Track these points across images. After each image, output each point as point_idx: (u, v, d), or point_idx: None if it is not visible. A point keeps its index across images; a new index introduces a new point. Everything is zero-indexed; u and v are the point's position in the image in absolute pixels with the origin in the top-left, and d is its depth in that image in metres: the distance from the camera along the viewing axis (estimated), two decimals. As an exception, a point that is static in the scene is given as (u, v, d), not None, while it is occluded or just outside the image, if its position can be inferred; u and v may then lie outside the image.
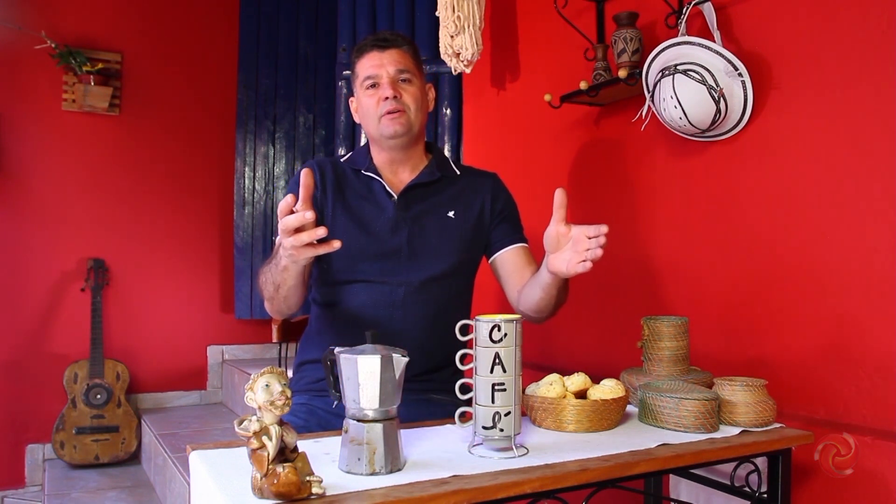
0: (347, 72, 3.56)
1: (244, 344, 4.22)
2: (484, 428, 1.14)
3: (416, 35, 3.37)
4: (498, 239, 1.69)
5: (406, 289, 1.57)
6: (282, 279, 1.42)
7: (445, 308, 1.60)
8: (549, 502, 1.08)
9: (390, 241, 1.58)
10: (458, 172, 1.72)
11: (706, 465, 1.27)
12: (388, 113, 1.58)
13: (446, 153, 3.28)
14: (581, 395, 1.37)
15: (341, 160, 1.70)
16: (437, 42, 2.47)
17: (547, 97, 2.19)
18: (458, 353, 1.25)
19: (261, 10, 4.13)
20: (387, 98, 1.58)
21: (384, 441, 1.05)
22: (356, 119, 1.69)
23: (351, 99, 1.71)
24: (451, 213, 1.65)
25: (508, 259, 1.68)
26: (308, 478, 0.93)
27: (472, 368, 1.18)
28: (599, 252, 1.32)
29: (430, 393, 1.58)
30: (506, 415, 1.14)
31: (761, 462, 1.33)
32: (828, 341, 1.57)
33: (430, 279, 1.59)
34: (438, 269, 1.60)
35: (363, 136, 3.54)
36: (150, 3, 4.00)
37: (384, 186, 1.63)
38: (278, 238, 1.32)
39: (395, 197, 1.62)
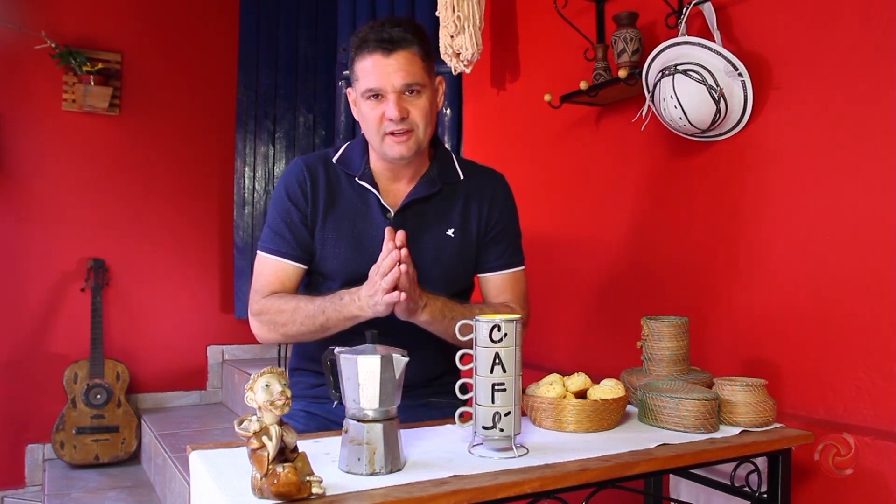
0: (347, 71, 3.55)
1: (244, 344, 4.22)
2: (484, 428, 1.14)
3: (416, 35, 3.37)
4: (488, 259, 1.60)
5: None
6: (338, 326, 1.43)
7: None
8: (549, 502, 1.08)
9: None
10: (462, 176, 1.59)
11: (706, 465, 1.27)
12: (393, 134, 1.43)
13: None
14: (581, 395, 1.37)
15: (334, 159, 1.56)
16: (437, 42, 2.47)
17: (547, 97, 2.19)
18: (458, 353, 1.25)
19: (261, 10, 4.13)
20: (391, 119, 1.42)
21: (384, 441, 1.05)
22: (355, 115, 1.53)
23: (349, 90, 1.53)
24: (450, 232, 1.54)
25: (490, 282, 1.62)
26: (308, 478, 0.93)
27: (471, 368, 1.18)
28: (393, 278, 1.34)
29: (427, 398, 1.57)
30: (506, 415, 1.14)
31: (761, 462, 1.33)
32: (828, 341, 1.57)
33: None
34: (432, 291, 1.51)
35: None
36: (150, 3, 4.00)
37: (379, 200, 1.52)
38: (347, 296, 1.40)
39: (392, 213, 1.51)
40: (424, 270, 1.49)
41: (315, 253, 1.53)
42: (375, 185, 1.53)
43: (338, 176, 1.55)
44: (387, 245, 1.34)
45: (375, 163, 1.55)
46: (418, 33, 1.45)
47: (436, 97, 1.50)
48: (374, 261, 1.47)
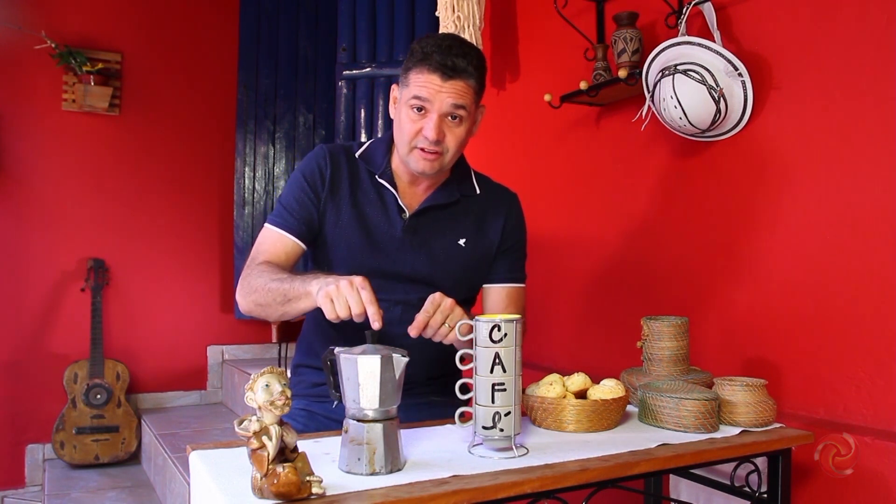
0: (347, 71, 3.56)
1: (244, 344, 4.22)
2: (484, 428, 1.14)
3: (417, 35, 3.37)
4: (495, 271, 1.63)
5: (404, 307, 1.52)
6: (296, 302, 1.33)
7: None
8: (549, 502, 1.08)
9: (394, 263, 1.52)
10: (478, 190, 1.63)
11: (706, 465, 1.27)
12: (423, 150, 1.45)
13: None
14: (581, 395, 1.37)
15: (357, 154, 1.58)
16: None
17: (547, 97, 2.19)
18: (458, 353, 1.25)
19: (261, 10, 4.14)
20: (426, 137, 1.43)
21: (384, 441, 1.05)
22: (391, 111, 1.54)
23: (394, 86, 1.53)
24: (461, 241, 1.57)
25: (494, 294, 1.64)
26: (308, 478, 0.93)
27: (471, 368, 1.18)
28: (432, 332, 1.29)
29: (429, 396, 1.57)
30: (506, 415, 1.14)
31: (761, 462, 1.33)
32: (828, 341, 1.57)
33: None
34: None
35: (363, 134, 3.54)
36: (150, 3, 4.00)
37: (397, 199, 1.54)
38: (320, 282, 1.26)
39: (407, 215, 1.53)
40: (436, 276, 1.52)
41: (325, 239, 1.54)
42: (394, 185, 1.55)
43: (358, 169, 1.57)
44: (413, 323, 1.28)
45: (397, 164, 1.57)
46: (480, 67, 1.47)
47: (471, 128, 1.52)
48: (383, 258, 1.51)
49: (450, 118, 1.44)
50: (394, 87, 1.53)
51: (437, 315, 1.29)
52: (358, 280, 1.22)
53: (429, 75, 1.41)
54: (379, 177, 1.55)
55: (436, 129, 1.42)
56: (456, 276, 1.56)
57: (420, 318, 1.29)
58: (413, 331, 1.29)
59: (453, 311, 1.30)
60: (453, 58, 1.41)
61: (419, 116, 1.44)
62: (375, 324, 1.17)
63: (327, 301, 1.22)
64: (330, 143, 1.62)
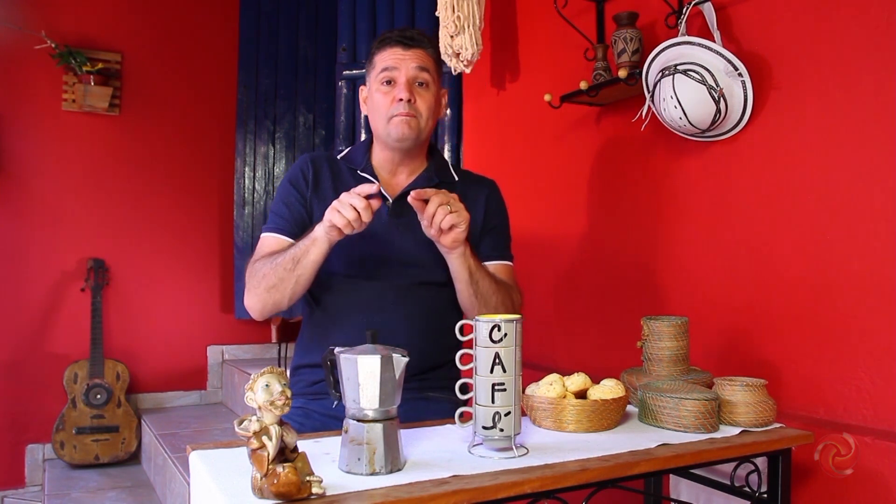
0: (347, 71, 3.56)
1: (244, 344, 4.22)
2: (484, 428, 1.14)
3: (416, 35, 3.37)
4: (481, 251, 1.66)
5: (396, 291, 1.57)
6: (306, 258, 1.45)
7: (437, 310, 1.59)
8: (549, 502, 1.08)
9: (382, 247, 1.57)
10: (457, 178, 1.70)
11: (706, 465, 1.27)
12: (400, 115, 1.56)
13: (446, 154, 3.28)
14: (581, 395, 1.37)
15: (338, 157, 1.69)
16: (437, 42, 2.47)
17: (547, 97, 2.19)
18: (458, 353, 1.25)
19: (261, 10, 4.14)
20: (401, 100, 1.55)
21: (384, 441, 1.05)
22: (364, 110, 1.67)
23: (362, 87, 1.68)
24: None
25: None
26: (308, 478, 0.93)
27: (471, 368, 1.18)
28: (441, 218, 1.40)
29: (427, 391, 1.58)
30: (506, 415, 1.14)
31: (761, 462, 1.33)
32: (828, 341, 1.57)
33: (421, 283, 1.59)
34: (429, 278, 1.59)
35: (363, 134, 3.54)
36: (149, 3, 4.00)
37: (380, 188, 1.60)
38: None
39: (391, 201, 1.60)
40: (424, 258, 1.58)
41: None
42: (376, 178, 1.63)
43: (340, 169, 1.67)
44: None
45: (377, 158, 1.66)
46: (432, 42, 1.65)
47: (439, 101, 1.65)
48: (371, 244, 1.57)
49: (417, 84, 1.58)
50: (361, 88, 1.69)
51: (440, 209, 1.40)
52: (349, 193, 1.37)
53: (391, 49, 1.59)
54: (361, 171, 1.64)
55: (406, 89, 1.56)
56: (442, 256, 1.58)
57: (430, 194, 1.41)
58: (415, 194, 1.41)
59: (460, 206, 1.42)
60: (409, 31, 1.61)
61: (390, 88, 1.58)
62: (373, 187, 1.37)
63: (335, 214, 1.37)
64: (312, 152, 1.74)
